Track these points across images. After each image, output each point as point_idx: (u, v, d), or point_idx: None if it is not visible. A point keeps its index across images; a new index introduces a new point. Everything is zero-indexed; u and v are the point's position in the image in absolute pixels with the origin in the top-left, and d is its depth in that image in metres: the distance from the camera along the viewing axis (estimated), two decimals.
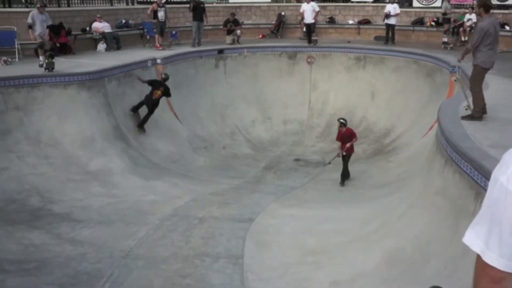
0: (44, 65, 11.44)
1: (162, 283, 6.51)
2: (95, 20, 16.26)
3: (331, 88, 16.22)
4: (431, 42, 18.27)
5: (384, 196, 8.94)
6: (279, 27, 20.41)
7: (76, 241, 7.57)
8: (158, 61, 14.31)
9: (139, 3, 19.24)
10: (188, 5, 17.35)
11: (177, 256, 7.22)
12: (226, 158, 13.48)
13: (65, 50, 14.99)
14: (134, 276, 6.64)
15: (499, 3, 17.58)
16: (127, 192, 9.81)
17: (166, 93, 12.91)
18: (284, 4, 21.81)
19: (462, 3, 18.82)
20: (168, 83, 12.86)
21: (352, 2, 20.77)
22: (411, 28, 19.26)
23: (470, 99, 7.45)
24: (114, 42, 16.19)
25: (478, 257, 1.38)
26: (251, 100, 16.09)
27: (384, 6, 18.14)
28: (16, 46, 13.54)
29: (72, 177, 9.81)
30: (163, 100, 13.01)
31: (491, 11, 7.31)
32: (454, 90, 11.94)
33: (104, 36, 16.06)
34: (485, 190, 1.37)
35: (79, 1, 17.70)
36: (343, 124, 10.91)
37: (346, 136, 10.94)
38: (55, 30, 14.45)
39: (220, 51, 16.63)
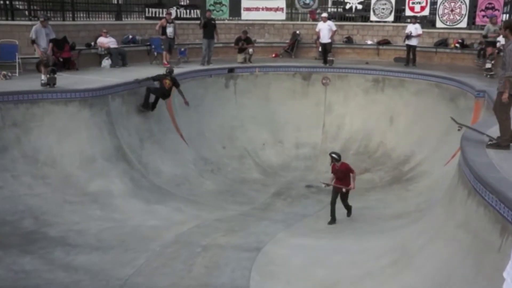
0: (45, 81, 11.61)
1: None
2: (100, 35, 16.56)
3: (347, 111, 16.24)
4: (455, 64, 18.28)
5: (402, 227, 8.83)
6: (294, 46, 20.61)
7: (70, 268, 7.54)
8: None
9: (147, 18, 19.59)
10: (198, 22, 17.64)
11: (178, 286, 7.16)
12: (233, 182, 13.46)
13: (68, 65, 15.25)
14: None
15: None
16: (127, 216, 9.81)
17: (175, 82, 13.38)
18: (299, 22, 22.06)
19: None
20: (175, 102, 12.97)
21: (371, 21, 20.94)
22: (434, 49, 19.32)
23: (496, 129, 7.37)
24: (120, 58, 16.44)
25: None
26: (262, 121, 16.13)
27: (405, 26, 18.26)
28: (17, 60, 13.81)
29: (69, 198, 9.85)
30: (168, 119, 13.08)
31: None
32: (480, 116, 11.89)
33: (109, 52, 16.33)
34: None
35: (85, 15, 18.09)
36: (335, 159, 10.15)
37: (341, 171, 10.16)
38: (59, 44, 14.75)
39: (231, 70, 16.79)
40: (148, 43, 18.18)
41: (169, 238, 8.87)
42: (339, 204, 10.35)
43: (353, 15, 22.00)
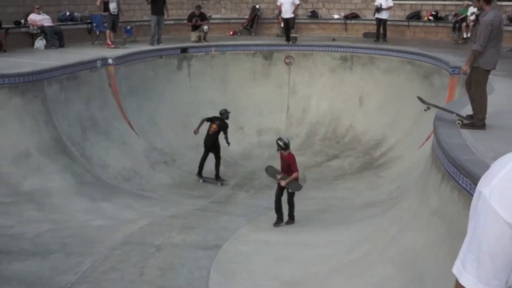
0: None
1: None
2: (32, 12, 16.06)
3: (312, 92, 16.36)
4: (429, 39, 18.65)
5: (373, 217, 8.99)
6: (253, 22, 20.56)
7: (2, 278, 7.33)
8: (110, 61, 14.19)
9: None
10: None
11: None
12: (190, 174, 13.41)
13: None
14: None
15: None
16: (69, 216, 9.63)
17: (223, 128, 12.80)
18: None
19: None
20: (120, 86, 12.70)
21: None
22: (406, 23, 19.64)
23: (470, 109, 7.54)
24: (56, 38, 16.06)
25: (456, 280, 1.37)
26: (220, 106, 15.94)
27: None
28: None
29: (0, 199, 9.56)
30: (113, 106, 12.85)
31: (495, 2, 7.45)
32: (455, 94, 12.18)
33: (43, 31, 15.91)
34: None
35: None
36: (281, 147, 9.63)
37: (287, 163, 9.73)
38: None
39: (184, 50, 16.64)
40: (89, 21, 17.76)
41: (118, 239, 8.74)
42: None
43: None
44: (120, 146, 13.01)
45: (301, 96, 16.49)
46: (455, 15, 18.56)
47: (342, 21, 20.49)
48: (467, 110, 7.82)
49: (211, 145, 12.81)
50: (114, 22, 16.18)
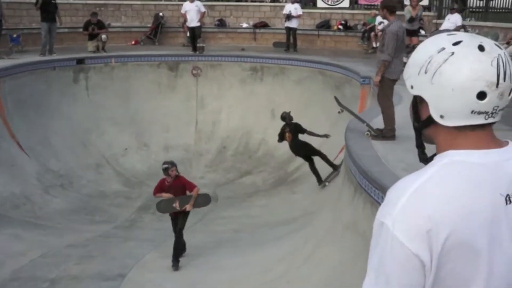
0: None
1: None
2: None
3: (222, 105, 16.46)
4: (339, 48, 19.36)
5: (288, 235, 9.14)
6: (157, 31, 20.40)
7: None
8: None
9: None
10: (34, 1, 16.65)
11: None
12: (89, 198, 13.08)
13: None
14: None
15: None
16: None
17: (296, 130, 11.99)
18: (162, 2, 21.92)
19: (372, 4, 20.27)
20: (7, 102, 12.07)
21: (246, 1, 21.43)
22: (316, 32, 20.29)
23: (381, 120, 7.87)
24: None
25: None
26: (123, 122, 15.79)
27: (283, 7, 18.91)
28: None
29: None
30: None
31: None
32: (366, 104, 12.69)
33: None
34: None
35: None
36: (176, 170, 9.10)
37: (176, 188, 9.08)
38: None
39: (80, 61, 16.20)
40: None
41: (5, 274, 8.33)
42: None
43: None
44: (7, 169, 12.36)
45: (210, 110, 16.53)
46: (364, 24, 19.43)
47: (251, 30, 20.82)
48: (379, 120, 8.16)
49: (303, 151, 12.00)
50: None
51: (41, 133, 14.12)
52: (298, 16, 18.27)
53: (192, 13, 17.54)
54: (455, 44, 1.46)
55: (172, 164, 9.16)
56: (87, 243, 10.10)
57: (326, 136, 11.96)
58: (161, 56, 17.31)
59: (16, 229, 10.28)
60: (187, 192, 9.15)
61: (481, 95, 1.41)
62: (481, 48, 1.43)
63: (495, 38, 14.19)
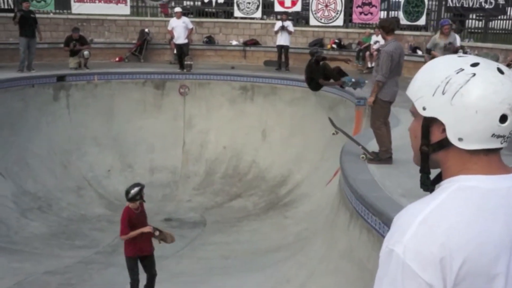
0: None
1: None
2: None
3: (211, 125, 16.49)
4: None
5: (280, 262, 9.12)
6: (142, 48, 20.46)
7: None
8: None
9: None
10: (12, 15, 16.67)
11: None
12: (70, 221, 13.01)
13: None
14: None
15: (409, 23, 19.43)
16: None
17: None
18: (148, 18, 22.04)
19: (366, 22, 20.52)
20: None
21: (236, 18, 21.59)
22: (308, 51, 20.41)
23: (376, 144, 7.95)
24: None
25: None
26: (105, 143, 15.77)
27: (275, 24, 19.05)
28: None
29: None
30: None
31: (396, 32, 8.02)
32: (362, 126, 12.78)
33: None
34: None
35: None
36: (140, 196, 7.97)
37: (143, 214, 8.22)
38: None
39: (61, 78, 16.20)
40: None
41: None
42: None
43: (214, 10, 22.58)
44: None
45: (198, 130, 16.55)
46: (359, 43, 19.65)
47: (241, 48, 20.93)
48: (375, 142, 8.24)
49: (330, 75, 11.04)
50: None
51: (17, 153, 14.07)
52: (290, 33, 18.38)
53: (179, 29, 17.65)
54: (473, 65, 1.47)
55: (143, 185, 8.10)
56: (66, 269, 10.01)
57: (347, 61, 11.94)
58: (146, 74, 17.35)
59: None
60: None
61: (503, 118, 1.43)
62: (500, 70, 1.47)
63: (495, 59, 14.38)
